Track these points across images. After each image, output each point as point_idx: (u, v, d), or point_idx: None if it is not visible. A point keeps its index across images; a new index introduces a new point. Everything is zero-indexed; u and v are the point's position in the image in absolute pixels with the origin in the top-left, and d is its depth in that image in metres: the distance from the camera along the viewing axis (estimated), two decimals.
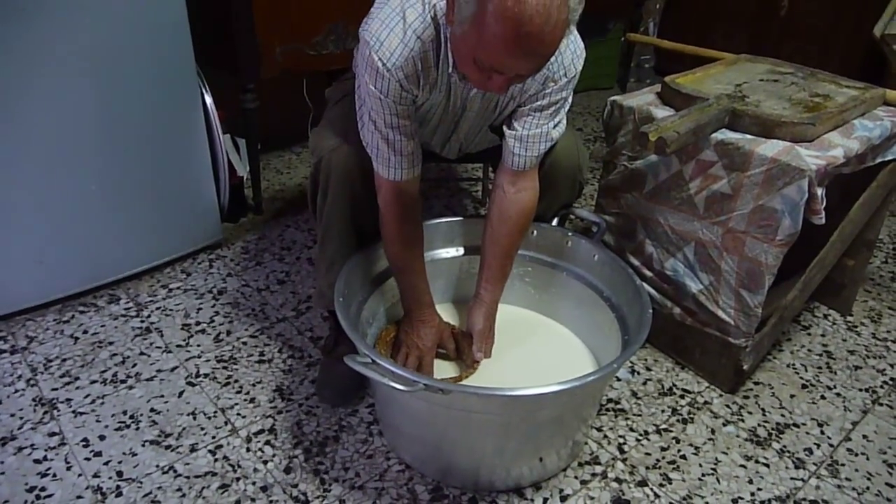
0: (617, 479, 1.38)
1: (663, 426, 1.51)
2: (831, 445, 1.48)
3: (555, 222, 1.59)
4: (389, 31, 1.18)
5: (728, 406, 1.58)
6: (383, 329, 1.52)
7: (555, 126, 1.37)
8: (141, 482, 1.33)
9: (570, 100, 1.38)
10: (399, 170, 1.30)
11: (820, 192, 1.35)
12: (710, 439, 1.48)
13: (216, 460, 1.38)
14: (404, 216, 1.36)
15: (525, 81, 1.27)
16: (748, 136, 1.43)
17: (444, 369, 1.48)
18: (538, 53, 1.04)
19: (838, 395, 1.63)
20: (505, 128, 1.37)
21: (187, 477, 1.34)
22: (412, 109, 1.29)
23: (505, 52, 1.02)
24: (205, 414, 1.49)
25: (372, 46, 1.19)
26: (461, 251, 1.64)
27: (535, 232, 1.58)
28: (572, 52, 1.29)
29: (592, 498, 1.34)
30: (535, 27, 0.98)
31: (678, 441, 1.48)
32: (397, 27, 1.18)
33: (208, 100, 1.90)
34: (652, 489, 1.36)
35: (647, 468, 1.41)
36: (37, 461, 1.36)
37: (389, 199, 1.34)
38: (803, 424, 1.54)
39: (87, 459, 1.37)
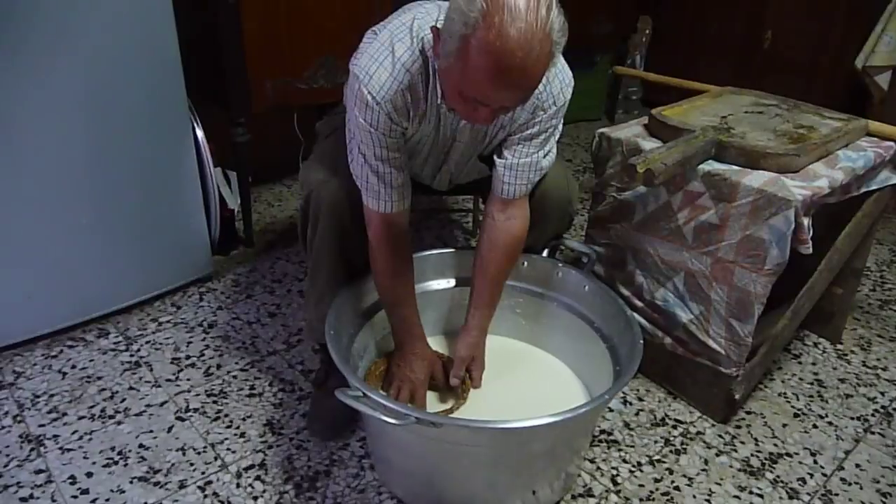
0: None
1: (656, 457, 1.51)
2: (825, 475, 1.48)
3: (545, 253, 1.60)
4: (378, 65, 1.20)
5: (721, 436, 1.57)
6: (372, 363, 1.51)
7: (545, 155, 1.38)
8: None
9: (559, 128, 1.40)
10: (389, 202, 1.31)
11: (806, 221, 1.36)
12: (703, 470, 1.48)
13: (206, 497, 1.36)
14: (394, 249, 1.36)
15: (513, 111, 1.29)
16: (734, 167, 1.45)
17: (434, 401, 1.47)
18: (521, 86, 1.06)
19: (830, 423, 1.63)
20: (495, 157, 1.38)
21: None
22: (402, 142, 1.30)
23: (488, 84, 1.03)
24: (194, 449, 1.48)
25: (361, 80, 1.20)
26: (452, 283, 1.64)
27: (526, 263, 1.58)
28: (560, 80, 1.31)
29: None
30: (517, 60, 1.00)
31: (671, 472, 1.47)
32: (386, 61, 1.20)
33: (199, 133, 1.91)
34: None
35: (641, 500, 1.40)
36: (23, 500, 1.34)
37: (379, 233, 1.34)
38: (796, 454, 1.53)
39: (74, 497, 1.35)
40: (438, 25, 1.12)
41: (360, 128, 1.24)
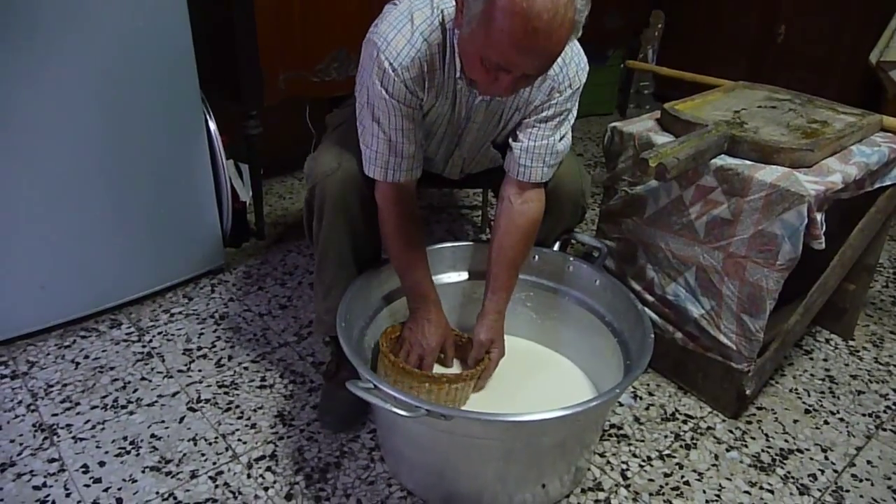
0: None
1: (666, 452, 1.51)
2: (836, 471, 1.48)
3: (556, 247, 1.59)
4: (397, 33, 1.20)
5: (731, 431, 1.57)
6: (389, 327, 1.50)
7: (560, 138, 1.38)
8: None
9: (574, 112, 1.39)
10: (399, 171, 1.31)
11: (819, 217, 1.35)
12: (713, 465, 1.48)
13: (217, 487, 1.37)
14: (403, 213, 1.36)
15: (530, 91, 1.29)
16: (747, 162, 1.44)
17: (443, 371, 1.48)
18: (545, 51, 1.06)
19: (842, 420, 1.62)
20: (510, 140, 1.39)
21: None
22: (418, 114, 1.30)
23: (513, 47, 1.03)
24: (206, 440, 1.49)
25: (379, 47, 1.21)
26: (465, 276, 1.64)
27: (537, 257, 1.58)
28: (577, 63, 1.31)
29: None
30: (543, 23, 1.00)
31: (681, 467, 1.47)
32: (405, 28, 1.20)
33: (212, 126, 1.92)
34: None
35: (651, 494, 1.40)
36: (36, 488, 1.35)
37: (388, 196, 1.34)
38: (807, 450, 1.53)
39: (87, 486, 1.36)
40: None
41: (377, 95, 1.24)
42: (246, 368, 1.71)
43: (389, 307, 1.52)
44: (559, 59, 1.16)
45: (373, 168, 1.32)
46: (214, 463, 1.43)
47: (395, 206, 1.35)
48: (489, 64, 1.08)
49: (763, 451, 1.52)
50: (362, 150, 1.32)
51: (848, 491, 1.43)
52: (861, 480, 1.46)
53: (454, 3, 1.16)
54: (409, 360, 1.41)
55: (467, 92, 1.29)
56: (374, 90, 1.24)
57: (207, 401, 1.60)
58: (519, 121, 1.37)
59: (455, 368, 1.51)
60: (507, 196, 1.41)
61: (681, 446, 1.52)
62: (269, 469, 1.41)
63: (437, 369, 1.48)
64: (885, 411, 1.66)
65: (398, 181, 1.33)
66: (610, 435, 1.54)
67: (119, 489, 1.36)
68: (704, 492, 1.41)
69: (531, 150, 1.36)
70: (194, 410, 1.57)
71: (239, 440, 1.49)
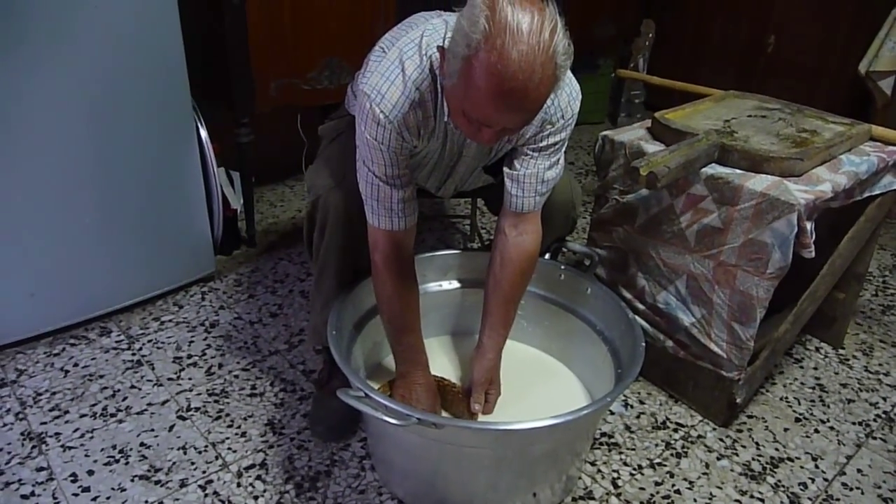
0: None
1: (657, 460, 1.51)
2: (826, 480, 1.48)
3: (547, 256, 1.60)
4: (390, 84, 1.19)
5: (722, 440, 1.57)
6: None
7: (550, 167, 1.35)
8: None
9: (567, 140, 1.38)
10: (398, 219, 1.29)
11: (809, 225, 1.36)
12: (704, 473, 1.48)
13: (206, 496, 1.36)
14: (401, 272, 1.33)
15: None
16: (737, 171, 1.45)
17: None
18: (523, 109, 1.05)
19: (832, 428, 1.63)
20: (504, 168, 1.37)
21: None
22: (409, 159, 1.29)
23: (489, 106, 1.03)
24: (195, 448, 1.48)
25: (373, 99, 1.19)
26: (456, 284, 1.64)
27: None
28: (568, 94, 1.30)
29: None
30: (518, 83, 0.99)
31: (672, 475, 1.47)
32: (398, 80, 1.19)
33: (203, 133, 1.92)
34: None
35: (642, 503, 1.40)
36: (24, 497, 1.34)
37: (387, 253, 1.31)
38: (797, 458, 1.53)
39: (76, 495, 1.35)
40: (444, 44, 1.12)
41: (370, 146, 1.23)
42: (236, 377, 1.70)
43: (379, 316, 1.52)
44: (546, 101, 1.16)
45: (376, 217, 1.29)
46: (204, 472, 1.42)
47: (393, 264, 1.32)
48: (470, 118, 1.08)
49: (753, 459, 1.52)
50: (364, 201, 1.30)
51: (838, 500, 1.43)
52: (851, 489, 1.46)
53: (437, 51, 1.16)
54: None
55: (458, 132, 1.29)
56: (367, 141, 1.23)
57: (197, 409, 1.59)
58: (510, 149, 1.36)
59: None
60: (502, 228, 1.39)
61: (671, 455, 1.52)
62: (259, 478, 1.41)
63: None
64: (874, 420, 1.66)
65: (402, 228, 1.30)
66: (601, 443, 1.54)
67: (108, 498, 1.35)
68: (695, 500, 1.41)
69: (522, 180, 1.34)
70: (184, 419, 1.56)
71: (229, 449, 1.48)
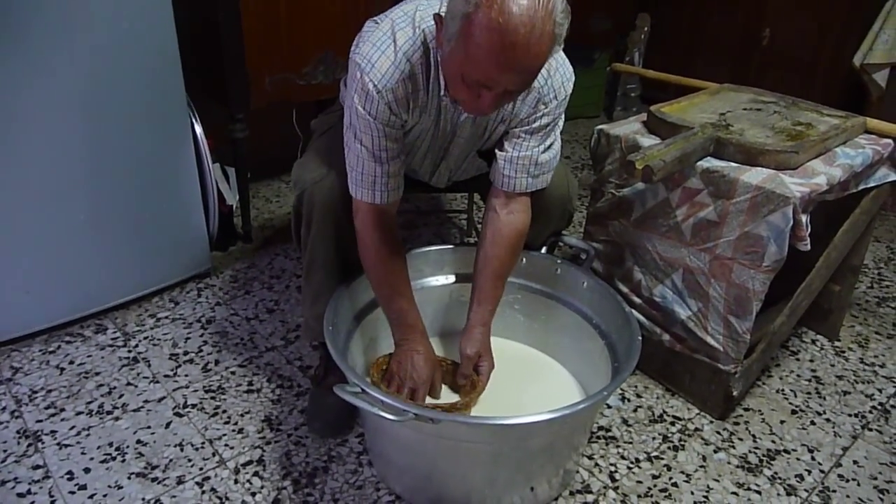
0: None
1: (654, 453, 1.51)
2: (822, 472, 1.48)
3: (544, 250, 1.60)
4: (381, 54, 1.19)
5: (719, 433, 1.58)
6: (375, 360, 1.48)
7: (545, 150, 1.36)
8: None
9: (560, 124, 1.39)
10: (385, 191, 1.30)
11: (804, 218, 1.36)
12: (701, 466, 1.48)
13: (203, 492, 1.36)
14: (385, 237, 1.34)
15: (515, 104, 1.28)
16: (733, 164, 1.45)
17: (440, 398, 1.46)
18: (525, 65, 1.05)
19: (828, 420, 1.63)
20: (496, 150, 1.38)
21: None
22: (400, 133, 1.29)
23: (492, 64, 1.03)
24: (192, 445, 1.47)
25: (363, 69, 1.20)
26: (452, 279, 1.64)
27: (525, 259, 1.58)
28: (562, 74, 1.30)
29: None
30: (520, 38, 0.99)
31: (669, 469, 1.47)
32: (388, 50, 1.19)
33: (198, 129, 1.91)
34: None
35: (639, 496, 1.40)
36: (20, 495, 1.34)
37: (369, 222, 1.32)
38: (794, 451, 1.54)
39: (72, 493, 1.35)
40: (442, 14, 1.12)
41: (360, 116, 1.23)
42: (233, 373, 1.70)
43: (378, 310, 1.51)
44: (543, 71, 1.16)
45: (359, 190, 1.30)
46: (201, 468, 1.42)
47: (377, 231, 1.32)
48: (470, 81, 1.08)
49: (750, 451, 1.53)
50: (348, 171, 1.31)
51: (835, 491, 1.44)
52: (847, 480, 1.46)
53: (434, 21, 1.16)
54: (402, 394, 1.36)
55: (452, 109, 1.29)
56: (357, 111, 1.23)
57: (194, 406, 1.59)
58: (505, 131, 1.37)
59: (445, 395, 1.47)
60: (492, 206, 1.40)
61: (669, 448, 1.52)
62: (256, 474, 1.41)
63: (427, 400, 1.44)
64: (870, 411, 1.67)
65: (384, 202, 1.31)
66: (598, 437, 1.54)
67: (104, 496, 1.34)
68: (692, 493, 1.41)
69: (515, 161, 1.35)
70: (181, 416, 1.56)
71: (226, 445, 1.48)
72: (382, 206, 1.32)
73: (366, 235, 1.33)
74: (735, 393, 1.56)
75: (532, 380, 1.56)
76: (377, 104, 1.21)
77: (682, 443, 1.54)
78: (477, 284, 1.43)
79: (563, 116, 1.38)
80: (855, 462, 1.51)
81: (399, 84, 1.20)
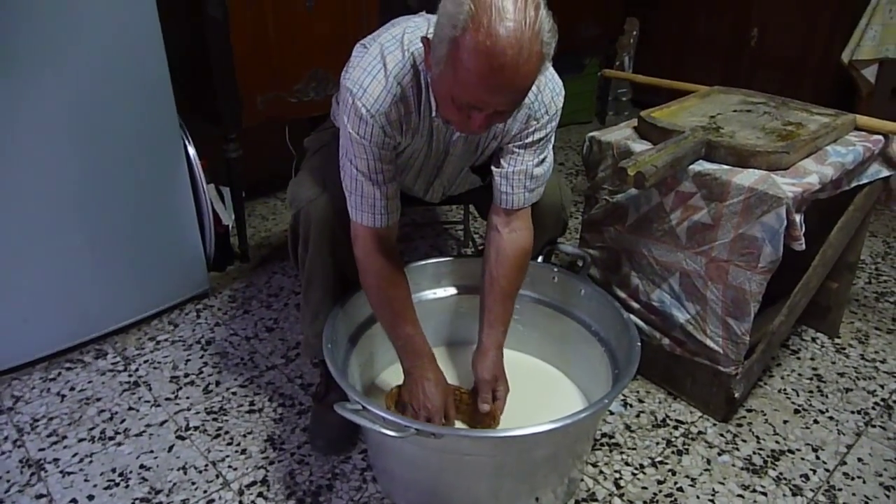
0: None
1: (658, 459, 1.51)
2: (827, 470, 1.48)
3: (540, 259, 1.60)
4: (372, 79, 1.20)
5: (722, 435, 1.57)
6: (387, 393, 1.46)
7: (538, 164, 1.36)
8: None
9: (553, 136, 1.39)
10: (382, 216, 1.30)
11: (798, 218, 1.37)
12: (706, 470, 1.48)
13: None
14: (385, 259, 1.33)
15: (506, 122, 1.29)
16: (725, 167, 1.46)
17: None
18: (513, 87, 1.06)
19: (831, 418, 1.63)
20: (492, 166, 1.38)
21: None
22: (393, 155, 1.30)
23: (480, 86, 1.03)
24: (195, 468, 1.47)
25: (355, 94, 1.20)
26: (451, 291, 1.64)
27: None
28: (551, 89, 1.31)
29: None
30: (508, 59, 1.00)
31: (674, 473, 1.47)
32: (380, 74, 1.20)
33: (191, 150, 1.91)
34: None
35: (645, 502, 1.40)
36: None
37: (370, 248, 1.31)
38: (798, 450, 1.53)
39: None
40: (429, 36, 1.12)
41: (354, 141, 1.23)
42: (234, 393, 1.69)
43: (376, 325, 1.51)
44: (533, 88, 1.16)
45: (360, 214, 1.29)
46: (205, 491, 1.41)
47: (378, 257, 1.31)
48: (460, 103, 1.08)
49: (754, 453, 1.52)
50: (346, 196, 1.30)
51: (840, 489, 1.43)
52: (853, 478, 1.46)
53: (422, 44, 1.16)
54: None
55: (444, 128, 1.29)
56: (351, 136, 1.23)
57: (196, 428, 1.58)
58: (497, 147, 1.37)
59: (458, 425, 1.43)
60: (494, 225, 1.39)
61: (673, 452, 1.52)
62: (260, 495, 1.40)
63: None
64: (873, 408, 1.67)
65: (385, 225, 1.30)
66: (602, 444, 1.54)
67: None
68: (698, 497, 1.41)
69: (510, 177, 1.34)
70: (183, 438, 1.55)
71: (229, 467, 1.47)
72: (382, 231, 1.31)
73: (367, 262, 1.32)
74: (737, 394, 1.56)
75: (534, 389, 1.56)
76: (371, 128, 1.21)
77: (686, 447, 1.54)
78: (486, 306, 1.40)
79: (555, 130, 1.38)
80: (860, 459, 1.51)
81: (392, 107, 1.21)
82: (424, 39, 1.13)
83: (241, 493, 1.41)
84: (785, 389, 1.73)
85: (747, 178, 1.41)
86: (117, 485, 1.43)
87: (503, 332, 1.41)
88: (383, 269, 1.33)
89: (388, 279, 1.34)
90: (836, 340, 1.92)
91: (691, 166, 1.47)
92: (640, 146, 1.57)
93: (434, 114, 1.23)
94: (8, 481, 1.43)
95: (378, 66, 1.20)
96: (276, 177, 2.70)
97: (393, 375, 1.53)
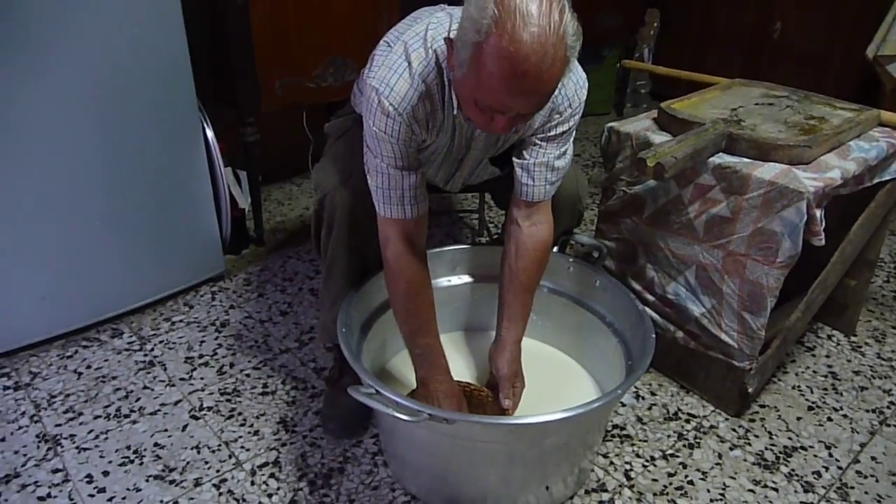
0: None
1: (670, 451, 1.50)
2: (840, 468, 1.47)
3: (555, 249, 1.59)
4: (398, 77, 1.19)
5: (734, 430, 1.57)
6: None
7: (559, 157, 1.35)
8: None
9: (574, 129, 1.38)
10: (412, 205, 1.28)
11: (819, 213, 1.35)
12: (717, 464, 1.47)
13: (220, 494, 1.37)
14: (414, 269, 1.31)
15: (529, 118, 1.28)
16: (745, 160, 1.44)
17: None
18: (537, 92, 1.05)
19: (845, 416, 1.62)
20: (514, 158, 1.37)
21: None
22: (418, 153, 1.29)
23: (503, 91, 1.02)
24: (209, 447, 1.49)
25: (381, 92, 1.19)
26: (466, 279, 1.64)
27: None
28: (574, 83, 1.29)
29: None
30: (531, 65, 0.99)
31: (685, 466, 1.47)
32: (405, 73, 1.19)
33: (209, 133, 1.92)
34: None
35: (655, 494, 1.40)
36: (41, 498, 1.35)
37: (400, 251, 1.29)
38: (811, 447, 1.53)
39: (91, 496, 1.36)
40: (451, 35, 1.11)
41: (380, 139, 1.22)
42: (248, 375, 1.71)
43: (388, 312, 1.52)
44: (558, 84, 1.15)
45: (388, 208, 1.28)
46: (218, 470, 1.43)
47: (409, 260, 1.29)
48: (483, 106, 1.07)
49: (766, 448, 1.52)
50: (373, 192, 1.29)
51: (853, 488, 1.43)
52: (866, 477, 1.45)
53: (444, 43, 1.15)
54: None
55: (466, 125, 1.28)
56: (376, 135, 1.22)
57: (210, 408, 1.60)
58: (517, 140, 1.36)
59: None
60: (514, 218, 1.38)
61: (684, 445, 1.52)
62: (272, 476, 1.41)
63: None
64: (888, 407, 1.65)
65: (414, 216, 1.29)
66: (613, 435, 1.54)
67: (123, 498, 1.36)
68: (708, 491, 1.41)
69: (532, 169, 1.33)
70: (197, 418, 1.57)
71: (242, 447, 1.49)
72: (411, 225, 1.29)
73: (396, 267, 1.30)
74: (750, 390, 1.55)
75: (547, 378, 1.56)
76: (399, 126, 1.20)
77: (698, 440, 1.54)
78: (505, 300, 1.40)
79: (577, 123, 1.36)
80: (873, 458, 1.50)
81: (418, 105, 1.20)
82: (447, 40, 1.12)
83: (253, 473, 1.42)
84: (799, 386, 1.72)
85: (768, 171, 1.40)
86: (132, 462, 1.44)
87: (522, 327, 1.41)
88: (411, 278, 1.31)
89: (417, 286, 1.32)
90: (853, 338, 1.90)
91: (711, 159, 1.46)
92: (659, 137, 1.56)
93: (456, 111, 1.23)
94: (25, 455, 1.45)
95: (403, 64, 1.19)
96: (292, 162, 2.71)
97: (402, 362, 1.54)
